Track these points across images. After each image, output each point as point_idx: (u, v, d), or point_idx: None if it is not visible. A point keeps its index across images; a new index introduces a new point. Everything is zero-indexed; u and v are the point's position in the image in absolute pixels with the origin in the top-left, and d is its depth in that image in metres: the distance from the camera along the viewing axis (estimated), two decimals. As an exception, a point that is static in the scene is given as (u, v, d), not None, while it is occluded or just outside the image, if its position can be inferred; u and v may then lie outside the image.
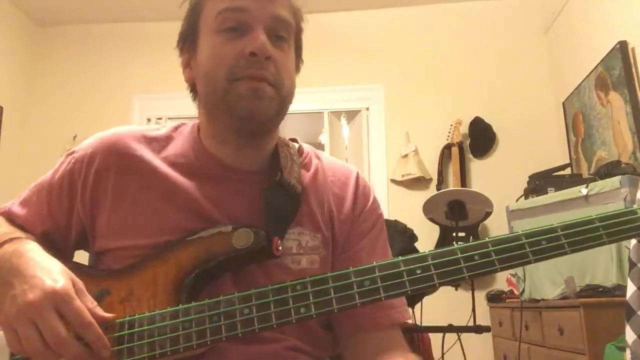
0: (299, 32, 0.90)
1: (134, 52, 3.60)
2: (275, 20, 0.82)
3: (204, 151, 0.88)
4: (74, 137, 3.36)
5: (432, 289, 0.72)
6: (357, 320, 0.83)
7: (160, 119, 3.44)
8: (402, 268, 0.68)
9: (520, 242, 0.68)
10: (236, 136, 0.84)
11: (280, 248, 0.78)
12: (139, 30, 3.64)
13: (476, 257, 0.68)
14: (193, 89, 0.89)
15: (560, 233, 0.68)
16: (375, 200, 0.95)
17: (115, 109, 3.46)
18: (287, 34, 0.85)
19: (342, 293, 0.68)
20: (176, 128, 0.93)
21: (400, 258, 0.69)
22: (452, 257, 0.68)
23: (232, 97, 0.80)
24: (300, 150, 0.94)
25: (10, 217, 0.89)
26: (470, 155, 3.27)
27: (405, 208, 3.03)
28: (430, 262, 0.68)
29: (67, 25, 3.69)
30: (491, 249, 0.68)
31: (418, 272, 0.68)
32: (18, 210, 0.89)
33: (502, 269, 0.68)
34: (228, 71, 0.79)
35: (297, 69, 0.91)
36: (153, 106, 3.52)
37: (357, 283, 0.68)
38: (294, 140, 0.96)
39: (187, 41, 0.88)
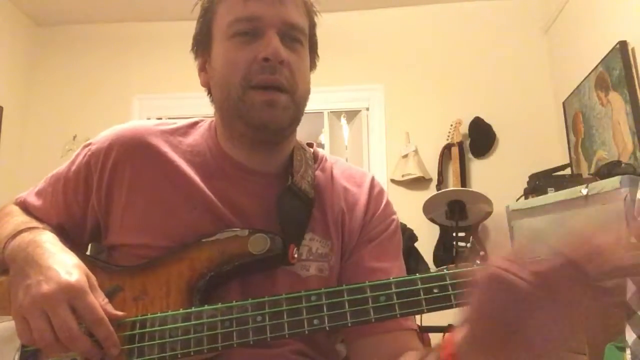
0: (312, 29, 0.89)
1: (134, 52, 3.59)
2: (288, 25, 0.82)
3: (220, 150, 0.87)
4: (74, 137, 3.37)
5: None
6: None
7: (160, 119, 3.42)
8: (420, 286, 0.66)
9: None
10: (251, 142, 0.84)
11: (296, 256, 0.78)
12: (139, 30, 3.63)
13: None
14: (210, 92, 0.88)
15: None
16: (388, 206, 0.93)
17: (115, 109, 3.46)
18: (300, 35, 0.84)
19: (357, 307, 0.67)
20: (194, 124, 0.93)
21: (417, 275, 0.67)
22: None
23: (246, 106, 0.79)
24: (315, 155, 0.93)
25: (26, 207, 0.89)
26: (470, 155, 3.26)
27: (405, 208, 3.02)
28: (448, 281, 0.65)
29: (67, 25, 3.68)
30: None
31: (435, 291, 0.65)
32: (33, 200, 0.90)
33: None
34: (242, 78, 0.79)
35: (313, 66, 0.91)
36: (153, 106, 3.52)
37: (373, 298, 0.66)
38: (310, 145, 0.95)
39: (201, 45, 0.88)
